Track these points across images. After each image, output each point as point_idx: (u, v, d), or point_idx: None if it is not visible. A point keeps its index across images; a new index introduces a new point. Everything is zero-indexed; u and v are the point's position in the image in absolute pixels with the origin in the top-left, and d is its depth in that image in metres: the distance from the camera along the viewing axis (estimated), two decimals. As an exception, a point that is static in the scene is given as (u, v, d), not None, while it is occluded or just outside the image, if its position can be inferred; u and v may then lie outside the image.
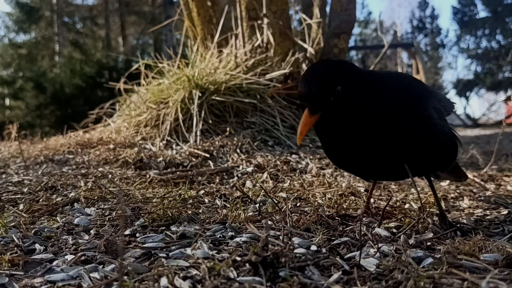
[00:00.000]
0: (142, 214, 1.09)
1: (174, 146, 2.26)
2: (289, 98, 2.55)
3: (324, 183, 1.52)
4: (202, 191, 1.43)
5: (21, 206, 1.22)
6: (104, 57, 9.56)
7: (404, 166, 0.92)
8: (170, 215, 1.06)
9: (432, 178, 1.12)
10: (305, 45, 2.81)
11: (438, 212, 1.04)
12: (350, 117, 0.85)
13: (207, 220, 1.07)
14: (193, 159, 1.98)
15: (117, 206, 1.21)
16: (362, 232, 0.94)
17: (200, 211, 1.16)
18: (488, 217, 1.15)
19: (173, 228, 0.99)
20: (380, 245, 0.85)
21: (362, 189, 1.45)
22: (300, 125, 0.84)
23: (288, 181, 1.60)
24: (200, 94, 2.40)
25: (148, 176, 1.67)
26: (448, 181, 1.64)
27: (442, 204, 1.20)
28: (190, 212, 1.13)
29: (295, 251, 0.80)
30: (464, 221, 1.08)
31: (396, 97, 0.89)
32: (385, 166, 0.94)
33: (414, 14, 25.96)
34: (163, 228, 1.00)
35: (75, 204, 1.23)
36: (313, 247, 0.84)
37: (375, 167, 0.95)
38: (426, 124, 0.91)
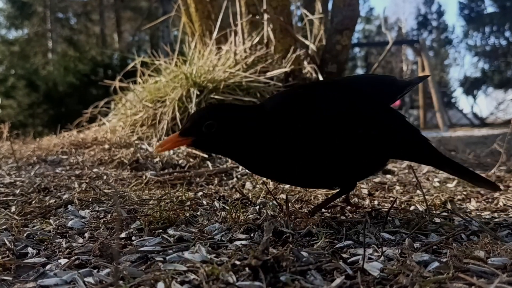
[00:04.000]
0: (138, 217, 1.09)
1: (171, 146, 2.26)
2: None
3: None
4: (200, 193, 1.43)
5: (13, 208, 1.22)
6: (99, 54, 9.58)
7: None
8: (167, 217, 1.06)
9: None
10: (307, 42, 2.81)
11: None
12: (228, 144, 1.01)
13: (205, 223, 1.07)
14: (191, 160, 1.97)
15: (112, 208, 1.21)
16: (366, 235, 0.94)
17: (198, 213, 1.16)
18: (496, 220, 1.15)
19: (170, 231, 0.99)
20: (384, 248, 0.85)
21: (365, 191, 1.45)
22: (164, 140, 1.03)
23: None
24: (198, 93, 2.40)
25: (144, 177, 1.67)
26: (455, 183, 1.64)
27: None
28: (188, 214, 1.13)
29: (297, 254, 0.80)
30: (476, 223, 1.08)
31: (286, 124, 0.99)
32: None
33: (419, 10, 25.97)
34: (160, 231, 1.00)
35: (69, 206, 1.23)
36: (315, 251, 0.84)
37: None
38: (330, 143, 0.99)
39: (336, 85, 1.15)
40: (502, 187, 1.50)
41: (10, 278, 0.73)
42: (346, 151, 1.00)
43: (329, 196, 1.19)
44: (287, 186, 1.53)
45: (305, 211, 1.19)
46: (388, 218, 1.08)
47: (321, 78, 2.54)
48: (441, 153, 1.13)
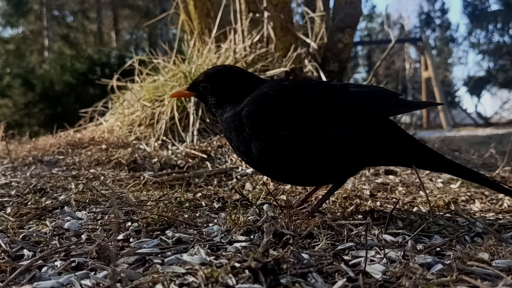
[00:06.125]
0: (136, 218, 1.09)
1: (169, 146, 2.26)
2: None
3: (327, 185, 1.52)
4: (199, 194, 1.43)
5: (8, 210, 1.22)
6: (96, 53, 9.57)
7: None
8: (166, 219, 1.06)
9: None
10: (308, 40, 2.81)
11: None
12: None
13: (204, 224, 1.07)
14: (190, 160, 1.97)
15: (109, 209, 1.21)
16: (368, 237, 0.94)
17: (197, 214, 1.17)
18: (500, 221, 1.15)
19: (169, 232, 0.99)
20: (386, 250, 0.85)
21: (367, 192, 1.45)
22: (176, 91, 1.28)
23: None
24: (197, 92, 2.40)
25: (142, 178, 1.67)
26: (458, 183, 1.64)
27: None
28: (186, 216, 1.13)
29: (297, 256, 0.80)
30: (480, 225, 1.08)
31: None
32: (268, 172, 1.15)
33: (422, 7, 25.96)
34: (158, 232, 1.00)
35: (66, 207, 1.23)
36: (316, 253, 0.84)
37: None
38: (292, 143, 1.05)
39: (329, 85, 1.24)
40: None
41: (6, 281, 0.73)
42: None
43: (324, 194, 1.20)
44: (287, 186, 1.53)
45: (305, 211, 1.19)
46: (391, 219, 1.08)
47: (322, 76, 2.54)
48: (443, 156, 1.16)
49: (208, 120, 2.36)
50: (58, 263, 0.81)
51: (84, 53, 9.79)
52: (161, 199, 1.35)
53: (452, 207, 1.27)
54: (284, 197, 1.38)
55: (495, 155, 2.35)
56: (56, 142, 2.50)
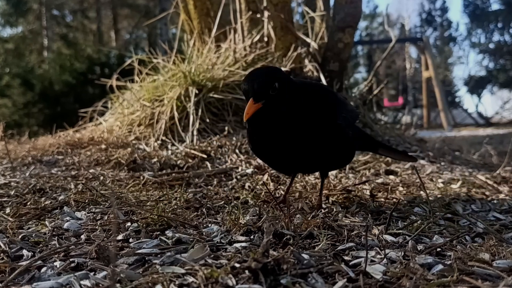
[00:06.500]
0: (135, 218, 1.09)
1: (169, 146, 2.26)
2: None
3: (328, 185, 1.52)
4: (199, 194, 1.43)
5: (7, 210, 1.22)
6: (96, 52, 9.57)
7: (311, 161, 1.18)
8: (165, 219, 1.06)
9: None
10: (308, 40, 2.81)
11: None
12: (280, 113, 1.08)
13: (204, 225, 1.07)
14: (190, 160, 1.97)
15: (109, 209, 1.21)
16: (369, 237, 0.94)
17: (197, 214, 1.16)
18: (501, 221, 1.15)
19: (168, 233, 0.99)
20: (387, 251, 0.85)
21: (367, 192, 1.45)
22: (247, 108, 1.05)
23: (290, 183, 1.59)
24: (197, 91, 2.40)
25: (142, 178, 1.67)
26: (459, 184, 1.64)
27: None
28: (186, 216, 1.13)
29: (298, 257, 0.80)
30: (480, 225, 1.08)
31: (314, 103, 1.14)
32: (296, 160, 1.17)
33: (423, 7, 25.97)
34: (158, 233, 1.00)
35: (65, 207, 1.23)
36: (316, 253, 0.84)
37: (287, 160, 1.18)
38: (334, 129, 1.16)
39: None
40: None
41: (6, 281, 0.73)
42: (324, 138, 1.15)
43: (319, 188, 1.31)
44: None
45: (306, 209, 1.21)
46: (391, 219, 1.08)
47: (322, 76, 2.54)
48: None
49: (208, 120, 2.36)
50: (57, 263, 0.81)
51: (84, 52, 9.79)
52: (161, 199, 1.35)
53: (453, 207, 1.27)
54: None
55: (495, 155, 2.35)
56: (55, 142, 2.50)
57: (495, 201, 1.39)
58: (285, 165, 1.24)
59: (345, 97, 1.65)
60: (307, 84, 1.28)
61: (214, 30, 2.80)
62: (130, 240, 0.95)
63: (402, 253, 0.84)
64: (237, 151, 2.08)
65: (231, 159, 2.00)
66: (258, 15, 2.76)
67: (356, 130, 1.36)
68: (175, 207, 1.22)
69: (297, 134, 1.10)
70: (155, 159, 1.99)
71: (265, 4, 2.68)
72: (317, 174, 1.64)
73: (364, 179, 1.70)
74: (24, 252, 0.88)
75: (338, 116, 1.18)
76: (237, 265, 0.71)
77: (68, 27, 17.99)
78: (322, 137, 1.14)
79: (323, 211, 1.19)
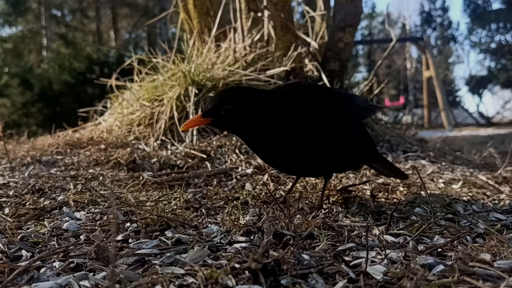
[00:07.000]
0: (135, 219, 1.09)
1: (169, 146, 2.26)
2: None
3: (328, 185, 1.52)
4: (199, 194, 1.43)
5: (6, 210, 1.22)
6: (95, 52, 9.57)
7: (308, 166, 1.20)
8: (165, 219, 1.06)
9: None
10: (308, 39, 2.81)
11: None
12: (247, 127, 1.13)
13: (204, 225, 1.07)
14: (189, 160, 1.97)
15: (108, 210, 1.21)
16: (369, 238, 0.94)
17: (197, 214, 1.16)
18: (502, 222, 1.15)
19: (168, 233, 0.99)
20: (387, 251, 0.85)
21: (368, 192, 1.45)
22: (189, 119, 1.17)
23: (290, 183, 1.60)
24: (196, 91, 2.40)
25: (141, 178, 1.67)
26: (460, 184, 1.64)
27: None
28: (186, 216, 1.13)
29: (298, 257, 0.80)
30: (481, 225, 1.08)
31: (298, 109, 1.14)
32: (293, 165, 1.20)
33: (423, 6, 25.97)
34: (158, 233, 1.00)
35: (64, 208, 1.23)
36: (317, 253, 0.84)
37: (285, 166, 1.23)
38: (328, 130, 1.15)
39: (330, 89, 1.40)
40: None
41: (4, 282, 0.73)
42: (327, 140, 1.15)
43: (321, 189, 1.33)
44: (287, 187, 1.53)
45: (307, 209, 1.20)
46: (392, 220, 1.08)
47: (323, 76, 2.54)
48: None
49: (207, 120, 2.36)
50: (56, 264, 0.81)
51: (83, 52, 9.79)
52: (161, 199, 1.35)
53: (454, 207, 1.27)
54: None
55: (495, 155, 2.35)
56: (54, 142, 2.50)
57: (496, 201, 1.39)
58: (285, 169, 1.29)
59: (352, 93, 1.60)
60: (294, 90, 1.27)
61: (214, 30, 2.80)
62: (130, 240, 0.95)
63: (403, 254, 0.84)
64: (237, 151, 2.08)
65: (231, 159, 2.00)
66: (259, 15, 2.76)
67: (360, 130, 1.29)
68: (175, 207, 1.22)
69: (285, 143, 1.13)
70: (154, 159, 1.99)
71: (265, 3, 2.68)
72: None
73: (364, 179, 1.70)
74: (23, 252, 0.88)
75: (333, 115, 1.17)
76: (237, 265, 0.71)
77: (67, 27, 17.99)
78: (314, 140, 1.14)
79: (323, 211, 1.20)
